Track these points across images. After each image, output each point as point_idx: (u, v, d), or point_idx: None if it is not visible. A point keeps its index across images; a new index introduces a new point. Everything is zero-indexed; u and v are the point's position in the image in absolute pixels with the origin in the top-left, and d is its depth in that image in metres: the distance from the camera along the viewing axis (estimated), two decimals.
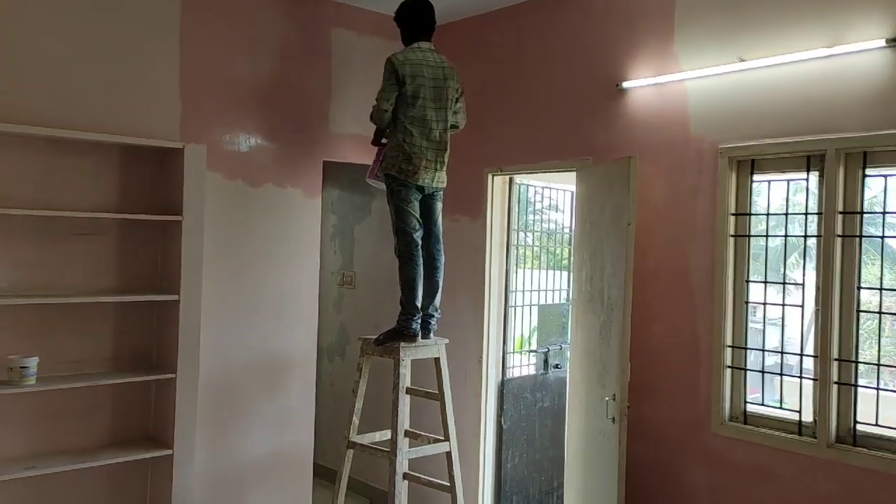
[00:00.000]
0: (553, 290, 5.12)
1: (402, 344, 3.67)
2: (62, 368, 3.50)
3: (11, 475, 3.21)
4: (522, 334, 4.92)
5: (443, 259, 3.80)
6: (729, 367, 3.39)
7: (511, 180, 4.57)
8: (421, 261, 3.67)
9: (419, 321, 3.71)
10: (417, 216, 3.67)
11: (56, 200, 3.48)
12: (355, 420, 3.86)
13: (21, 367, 3.25)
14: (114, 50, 3.65)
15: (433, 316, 3.80)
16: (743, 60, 3.31)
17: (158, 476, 3.72)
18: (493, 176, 4.49)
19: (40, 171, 3.45)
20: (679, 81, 3.56)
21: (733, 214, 3.40)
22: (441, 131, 3.66)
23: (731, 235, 3.40)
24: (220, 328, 3.99)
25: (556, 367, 4.87)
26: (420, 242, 3.68)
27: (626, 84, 3.77)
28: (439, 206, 3.78)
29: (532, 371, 4.82)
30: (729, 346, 3.40)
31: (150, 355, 3.79)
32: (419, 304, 3.68)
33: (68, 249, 3.53)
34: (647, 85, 3.69)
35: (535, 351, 4.88)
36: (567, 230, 5.26)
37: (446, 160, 3.73)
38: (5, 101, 3.32)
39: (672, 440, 3.55)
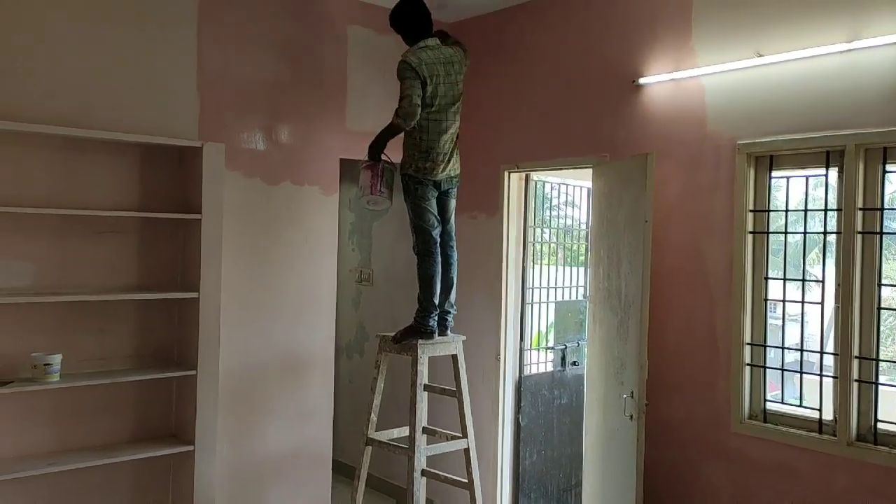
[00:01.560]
0: (570, 287, 5.11)
1: (420, 341, 3.69)
2: (85, 366, 3.55)
3: (35, 471, 3.26)
4: (539, 331, 4.92)
5: (456, 255, 3.81)
6: (748, 364, 3.37)
7: (528, 177, 4.56)
8: (439, 258, 3.68)
9: (436, 318, 3.72)
10: (435, 213, 3.68)
11: (78, 199, 3.53)
12: (373, 417, 3.89)
13: (45, 364, 3.30)
14: (133, 50, 3.68)
15: (450, 312, 3.82)
16: (761, 55, 3.28)
17: (180, 472, 3.76)
18: (509, 173, 4.49)
19: (62, 170, 3.50)
20: (696, 77, 3.54)
21: (751, 211, 3.37)
22: (454, 123, 3.66)
23: (750, 232, 3.37)
24: (239, 325, 4.03)
25: (574, 364, 4.86)
26: (438, 239, 3.69)
27: (642, 80, 3.75)
28: (453, 203, 3.80)
29: (549, 368, 4.82)
30: (748, 344, 3.38)
31: (171, 352, 3.84)
32: (437, 302, 3.69)
33: (90, 248, 3.58)
34: (664, 81, 3.67)
35: (552, 348, 4.88)
36: (584, 226, 5.24)
37: (457, 148, 3.74)
38: (28, 102, 3.37)
39: (691, 438, 3.53)
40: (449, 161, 3.67)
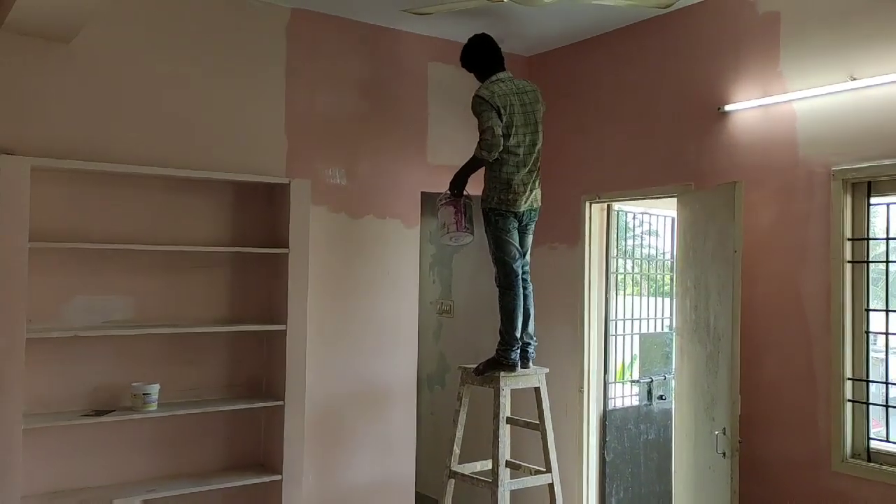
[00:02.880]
0: (655, 319, 4.99)
1: (502, 373, 3.67)
2: (181, 395, 3.70)
3: (135, 496, 3.40)
4: (623, 362, 4.82)
5: (531, 287, 3.79)
6: (850, 400, 3.20)
7: (609, 207, 4.51)
8: (521, 290, 3.66)
9: (518, 351, 3.70)
10: (517, 245, 3.67)
11: (176, 235, 3.71)
12: (456, 449, 3.87)
13: (144, 394, 3.45)
14: (228, 95, 3.87)
15: (530, 344, 3.79)
16: (855, 79, 3.16)
17: (268, 501, 3.83)
18: (590, 203, 4.45)
19: (163, 208, 3.69)
20: (786, 102, 3.44)
21: (849, 239, 3.23)
22: (534, 153, 3.64)
23: (848, 261, 3.22)
24: (324, 356, 4.11)
25: (661, 398, 4.73)
26: (520, 272, 3.68)
27: (728, 107, 3.67)
28: (531, 237, 3.80)
29: (636, 402, 4.71)
30: (849, 379, 3.21)
31: (260, 383, 3.95)
32: (518, 335, 3.67)
33: (187, 282, 3.74)
34: (752, 107, 3.58)
35: (638, 381, 4.77)
36: (667, 256, 5.13)
37: (539, 179, 3.73)
38: (131, 146, 3.59)
39: (788, 478, 3.37)
40: (531, 192, 3.66)
